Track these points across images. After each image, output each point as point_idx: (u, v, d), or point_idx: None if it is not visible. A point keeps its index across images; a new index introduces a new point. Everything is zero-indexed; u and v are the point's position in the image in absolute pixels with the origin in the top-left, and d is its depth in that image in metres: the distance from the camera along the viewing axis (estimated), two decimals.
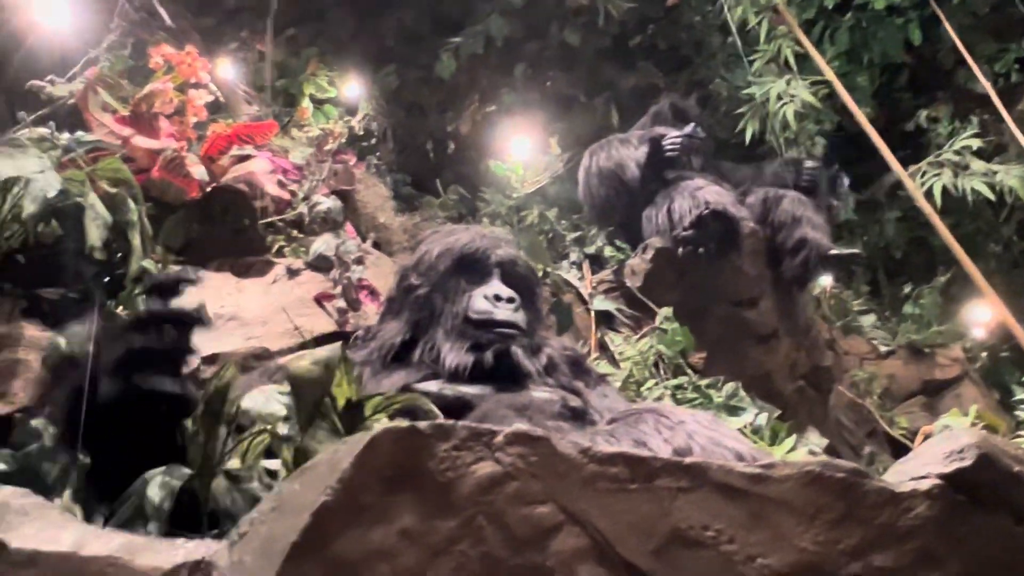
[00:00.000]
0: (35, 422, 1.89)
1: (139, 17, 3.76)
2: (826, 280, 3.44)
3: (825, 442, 2.65)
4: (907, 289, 4.19)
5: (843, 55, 4.37)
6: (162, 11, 3.77)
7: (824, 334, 3.47)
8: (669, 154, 3.04)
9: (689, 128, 3.09)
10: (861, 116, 3.51)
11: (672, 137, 3.07)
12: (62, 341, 1.99)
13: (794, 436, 2.36)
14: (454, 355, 1.70)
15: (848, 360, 3.63)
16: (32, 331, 2.04)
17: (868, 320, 3.95)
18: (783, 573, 0.91)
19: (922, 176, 3.58)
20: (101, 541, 0.77)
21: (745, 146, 3.89)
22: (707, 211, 2.81)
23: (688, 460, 0.93)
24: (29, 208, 2.03)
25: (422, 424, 0.84)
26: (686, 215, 2.84)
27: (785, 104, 3.64)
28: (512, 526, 0.82)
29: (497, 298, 1.75)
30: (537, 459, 0.85)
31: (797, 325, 3.12)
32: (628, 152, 3.16)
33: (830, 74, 3.67)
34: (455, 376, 1.68)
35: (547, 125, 4.24)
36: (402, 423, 0.84)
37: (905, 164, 3.78)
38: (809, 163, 3.37)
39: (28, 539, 0.74)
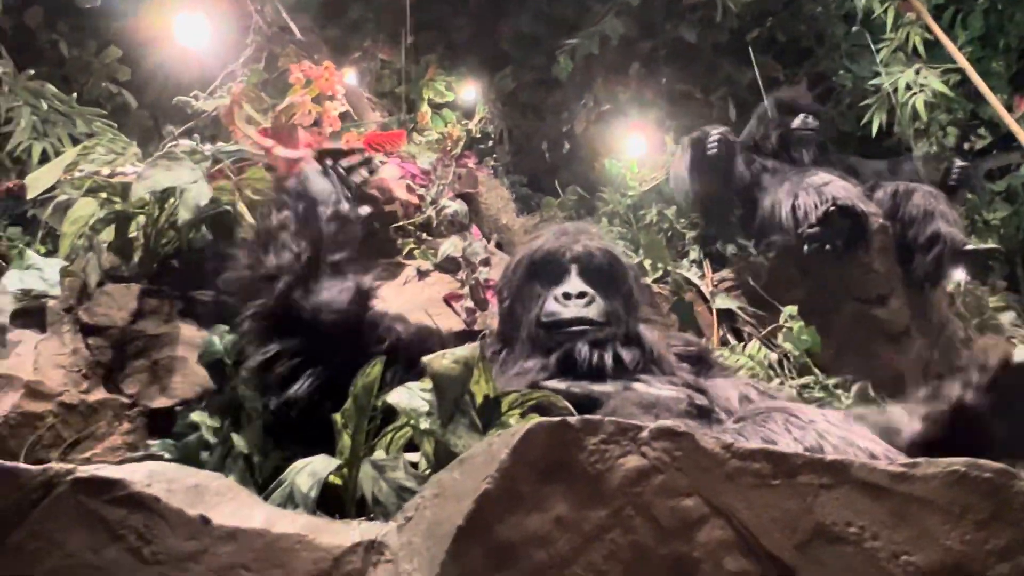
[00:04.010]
0: (194, 415, 2.05)
1: (271, 32, 3.97)
2: (960, 276, 3.31)
3: None
4: None
5: (976, 40, 4.17)
6: (293, 26, 3.97)
7: (959, 332, 3.33)
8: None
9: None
10: (997, 103, 3.36)
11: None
12: (216, 339, 2.15)
13: None
14: (529, 362, 1.72)
15: None
16: (188, 330, 2.20)
17: (1007, 317, 3.75)
18: (928, 571, 0.91)
19: None
20: (288, 520, 0.86)
21: (871, 139, 3.77)
22: (834, 207, 2.75)
23: (830, 457, 0.94)
24: (184, 216, 2.18)
25: (572, 418, 0.89)
26: (811, 211, 2.79)
27: (914, 94, 3.51)
28: (659, 517, 0.86)
29: (567, 296, 1.75)
30: (681, 454, 0.89)
31: (930, 323, 3.02)
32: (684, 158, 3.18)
33: (963, 61, 3.52)
34: (533, 380, 1.69)
35: (662, 122, 4.23)
36: (553, 418, 0.89)
37: None
38: (959, 162, 3.24)
39: (227, 516, 0.83)
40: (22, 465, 0.80)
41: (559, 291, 1.76)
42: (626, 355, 1.75)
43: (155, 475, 0.84)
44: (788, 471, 0.92)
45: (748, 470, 0.90)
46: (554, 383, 1.73)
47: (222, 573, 0.79)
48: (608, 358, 1.71)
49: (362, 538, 0.85)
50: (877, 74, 3.72)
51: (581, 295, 1.75)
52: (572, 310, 1.74)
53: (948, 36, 3.66)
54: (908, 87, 3.55)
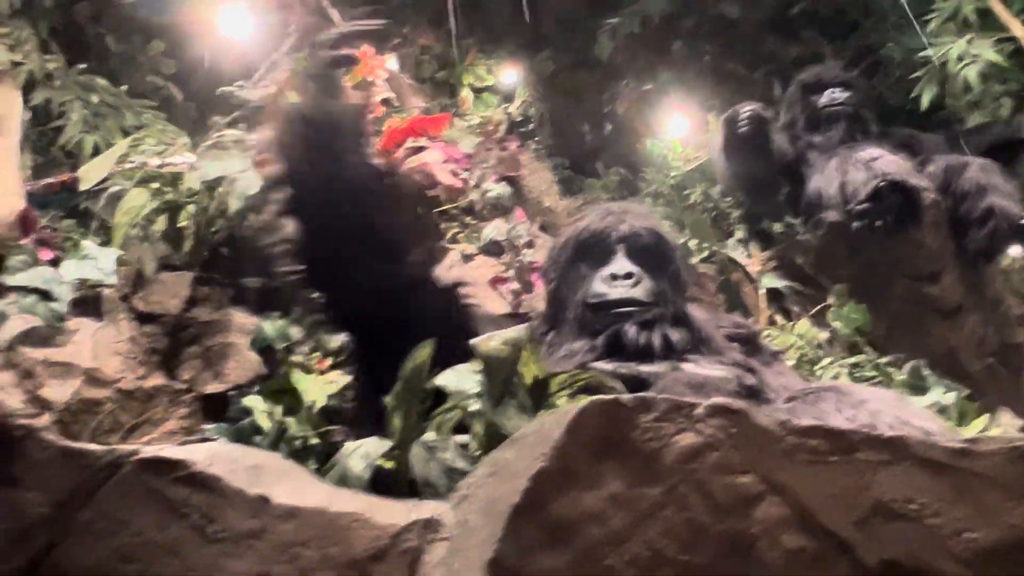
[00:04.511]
0: (246, 399, 2.09)
1: (313, 21, 3.99)
2: (1016, 251, 3.23)
3: (1020, 423, 2.50)
4: None
5: None
6: (333, 14, 3.99)
7: (1015, 309, 3.25)
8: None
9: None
10: None
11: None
12: (267, 326, 2.18)
13: (985, 416, 2.24)
14: (576, 344, 1.71)
15: None
16: (239, 317, 2.24)
17: None
18: (990, 548, 0.90)
19: None
20: (346, 499, 0.87)
21: (921, 112, 3.68)
22: (884, 183, 2.70)
23: (888, 434, 0.93)
24: (234, 205, 2.22)
25: (625, 397, 0.88)
26: (861, 188, 2.73)
27: (967, 65, 3.41)
28: (715, 494, 0.85)
29: (614, 277, 1.73)
30: (737, 431, 0.88)
31: (984, 299, 2.95)
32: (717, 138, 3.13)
33: (1017, 29, 3.41)
34: (581, 362, 1.67)
35: (705, 101, 4.17)
36: (606, 396, 0.89)
37: None
38: None
39: (286, 496, 0.84)
40: (89, 446, 0.83)
41: (606, 272, 1.75)
42: (674, 335, 1.73)
43: (216, 455, 0.86)
44: (845, 448, 0.91)
45: (805, 447, 0.89)
46: (601, 364, 1.72)
47: (283, 550, 0.80)
48: (656, 338, 1.69)
49: (419, 516, 0.86)
50: (927, 46, 3.62)
51: (628, 276, 1.73)
52: (619, 291, 1.72)
53: (1001, 3, 3.55)
54: (960, 58, 3.45)
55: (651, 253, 1.80)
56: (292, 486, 0.87)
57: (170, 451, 0.85)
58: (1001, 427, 2.39)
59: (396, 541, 0.83)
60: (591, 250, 1.80)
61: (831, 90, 3.19)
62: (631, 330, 1.68)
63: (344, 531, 0.82)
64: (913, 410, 1.56)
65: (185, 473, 0.82)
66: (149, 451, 0.84)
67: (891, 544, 0.88)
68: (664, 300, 1.75)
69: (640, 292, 1.73)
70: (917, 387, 2.37)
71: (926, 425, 1.47)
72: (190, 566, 0.79)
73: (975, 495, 0.92)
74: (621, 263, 1.76)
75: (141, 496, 0.81)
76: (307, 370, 1.98)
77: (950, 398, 2.30)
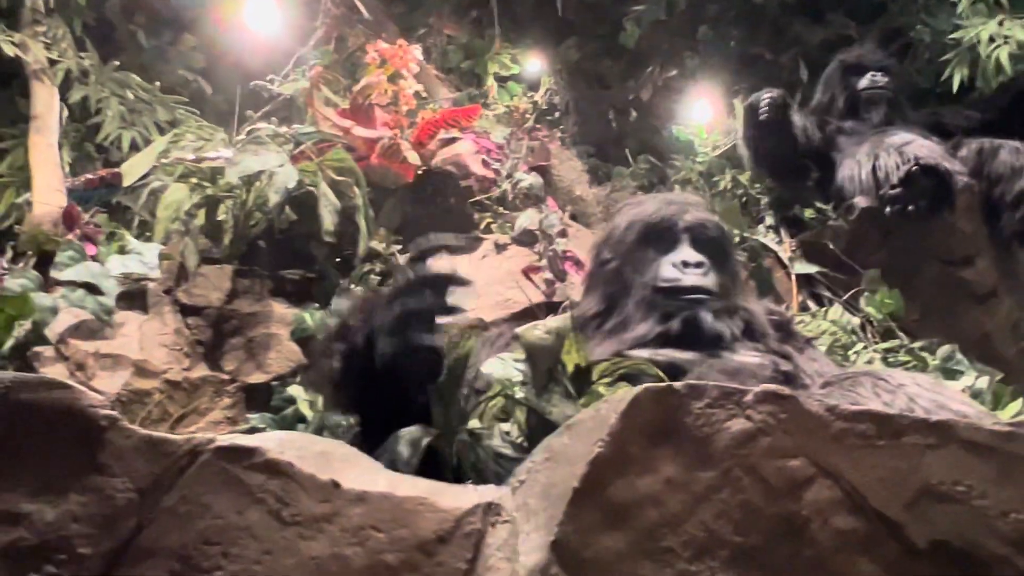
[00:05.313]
0: (289, 389, 2.13)
1: (340, 13, 4.01)
2: None
3: None
4: None
5: None
6: (360, 5, 4.01)
7: None
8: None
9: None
10: None
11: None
12: (307, 316, 2.22)
13: (1020, 400, 2.25)
14: (643, 326, 1.71)
15: None
16: (280, 308, 2.29)
17: None
18: None
19: None
20: (409, 484, 0.91)
21: (952, 95, 3.65)
22: (916, 167, 2.69)
23: (935, 418, 0.95)
24: (273, 199, 2.27)
25: (677, 384, 0.91)
26: (893, 172, 2.73)
27: (998, 46, 3.38)
28: (767, 477, 0.88)
29: (685, 264, 1.74)
30: (786, 416, 0.91)
31: (1019, 283, 2.93)
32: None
33: None
34: (646, 344, 1.69)
35: (730, 86, 4.16)
36: (659, 383, 0.92)
37: None
38: None
39: (354, 481, 0.88)
40: (170, 435, 0.87)
41: (676, 258, 1.76)
42: (735, 326, 1.75)
43: (285, 443, 0.90)
44: (893, 432, 0.93)
45: (853, 431, 0.92)
46: (636, 353, 1.73)
47: (354, 533, 0.84)
48: (726, 327, 1.71)
49: (480, 500, 0.90)
50: (957, 27, 3.59)
51: (699, 264, 1.75)
52: (692, 278, 1.73)
53: None
54: (991, 39, 3.42)
55: (714, 245, 1.81)
56: (358, 471, 0.91)
57: (243, 439, 0.89)
58: None
59: (460, 524, 0.87)
60: (658, 236, 1.81)
61: (871, 73, 3.18)
62: (707, 317, 1.69)
63: (411, 514, 0.86)
64: (949, 394, 1.57)
65: (260, 460, 0.86)
66: (225, 439, 0.88)
67: (940, 525, 0.90)
68: (726, 291, 1.78)
69: (709, 282, 1.74)
70: (951, 372, 2.38)
71: (963, 409, 1.48)
72: (268, 548, 0.83)
73: (1021, 477, 0.94)
74: (690, 251, 1.78)
75: (220, 482, 0.85)
76: None
77: (984, 382, 2.31)
